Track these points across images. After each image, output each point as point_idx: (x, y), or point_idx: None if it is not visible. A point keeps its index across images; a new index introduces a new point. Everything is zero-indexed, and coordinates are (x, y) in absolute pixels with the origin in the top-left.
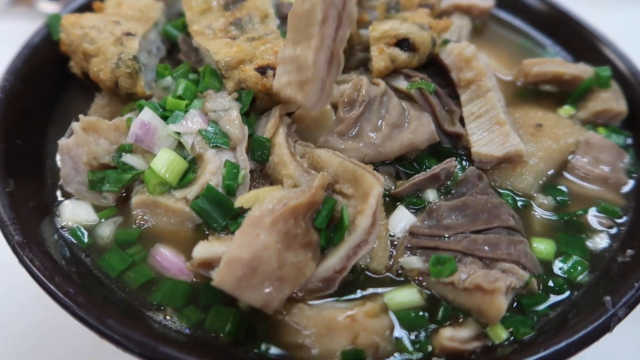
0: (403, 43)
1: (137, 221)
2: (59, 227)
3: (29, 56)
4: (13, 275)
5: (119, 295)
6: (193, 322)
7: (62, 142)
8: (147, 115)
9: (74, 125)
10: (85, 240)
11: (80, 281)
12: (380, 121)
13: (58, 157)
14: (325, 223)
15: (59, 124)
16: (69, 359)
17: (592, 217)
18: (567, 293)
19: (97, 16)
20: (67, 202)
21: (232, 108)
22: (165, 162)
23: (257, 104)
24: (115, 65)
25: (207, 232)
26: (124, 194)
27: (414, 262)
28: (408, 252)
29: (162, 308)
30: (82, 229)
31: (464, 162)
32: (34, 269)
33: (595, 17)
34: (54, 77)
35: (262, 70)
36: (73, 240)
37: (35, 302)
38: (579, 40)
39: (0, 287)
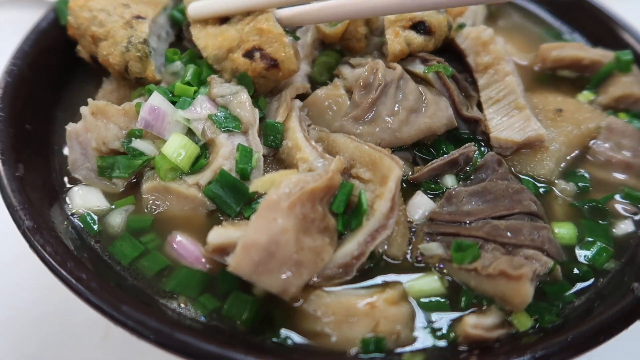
0: (419, 26)
1: (148, 206)
2: (69, 213)
3: (36, 40)
4: (22, 267)
5: (130, 282)
6: (209, 310)
7: (70, 127)
8: (157, 100)
9: (83, 109)
10: (95, 227)
11: (93, 267)
12: (396, 105)
13: (67, 141)
14: (342, 208)
15: (67, 108)
16: (77, 350)
17: (616, 203)
18: (592, 280)
19: None
20: (76, 188)
21: (241, 91)
22: (177, 147)
23: (256, 88)
24: (125, 49)
25: (221, 218)
26: (134, 180)
27: (434, 248)
28: (428, 238)
29: (175, 296)
30: (93, 215)
31: (482, 148)
32: (46, 255)
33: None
34: (61, 62)
35: (249, 54)
36: (83, 226)
37: (45, 293)
38: (597, 25)
39: (11, 278)
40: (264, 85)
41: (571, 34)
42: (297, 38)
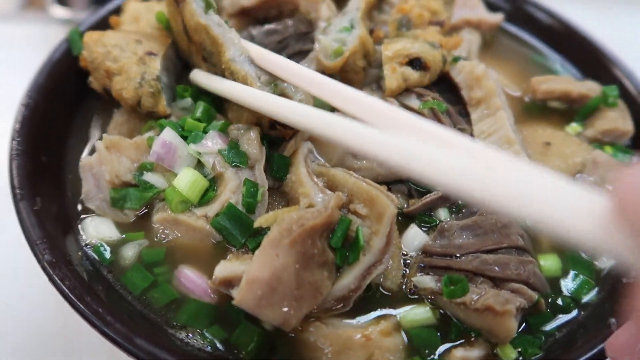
0: (415, 62)
1: (157, 235)
2: (83, 244)
3: (50, 72)
4: (30, 282)
5: (141, 311)
6: (216, 340)
7: (85, 160)
8: (169, 134)
9: (98, 144)
10: (108, 257)
11: (106, 298)
12: None
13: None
14: (340, 242)
15: (78, 137)
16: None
17: None
18: (575, 313)
19: (119, 34)
20: (89, 219)
21: (252, 129)
22: (188, 181)
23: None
24: (139, 85)
25: (227, 247)
26: (145, 210)
27: (427, 281)
28: (421, 271)
29: (184, 327)
30: (105, 246)
31: None
32: (65, 289)
33: (600, 22)
34: (73, 91)
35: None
36: (96, 257)
37: (54, 312)
38: (587, 56)
39: (20, 295)
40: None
41: (563, 63)
42: None
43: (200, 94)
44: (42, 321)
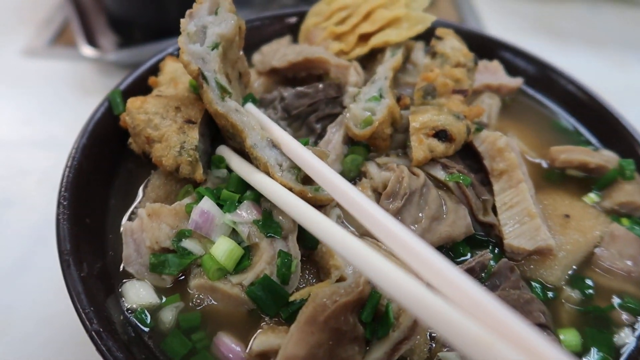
0: (441, 134)
1: (193, 300)
2: (125, 308)
3: (92, 133)
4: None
5: None
6: None
7: (127, 225)
8: (207, 204)
9: (140, 212)
10: (149, 322)
11: None
12: (420, 213)
13: (120, 233)
14: (370, 317)
15: (118, 196)
16: None
17: (618, 312)
18: None
19: (159, 101)
20: (130, 283)
21: None
22: (226, 251)
23: None
24: (178, 153)
25: (260, 314)
26: (181, 277)
27: (452, 357)
28: (447, 348)
29: None
30: (146, 312)
31: (496, 250)
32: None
33: (613, 74)
34: (113, 151)
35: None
36: (137, 323)
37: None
38: (605, 125)
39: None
40: None
41: (581, 130)
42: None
43: None
44: None
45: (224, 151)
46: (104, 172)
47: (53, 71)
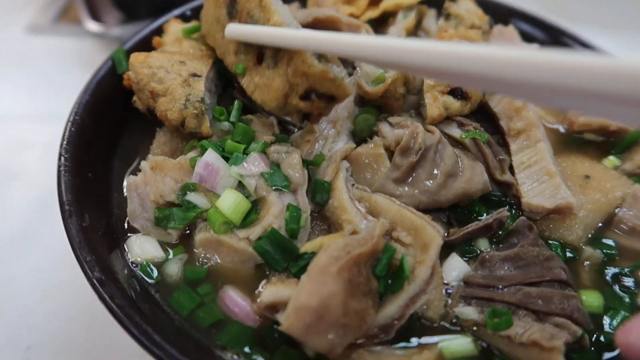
0: (456, 91)
1: (200, 258)
2: (129, 262)
3: (95, 90)
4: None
5: (189, 332)
6: None
7: (131, 179)
8: (211, 156)
9: (143, 164)
10: (155, 276)
11: (153, 318)
12: (435, 169)
13: (125, 192)
14: (385, 271)
15: (123, 156)
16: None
17: None
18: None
19: (164, 56)
20: (134, 237)
21: (293, 152)
22: (232, 203)
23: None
24: (184, 106)
25: (267, 273)
26: (187, 232)
27: (469, 312)
28: (463, 302)
29: (229, 348)
30: (152, 265)
31: (513, 211)
32: (114, 307)
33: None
34: (117, 110)
35: (306, 97)
36: (143, 275)
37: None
38: None
39: (55, 307)
40: (329, 110)
41: None
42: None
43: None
44: (70, 336)
45: (232, 27)
46: (108, 130)
47: (58, 48)
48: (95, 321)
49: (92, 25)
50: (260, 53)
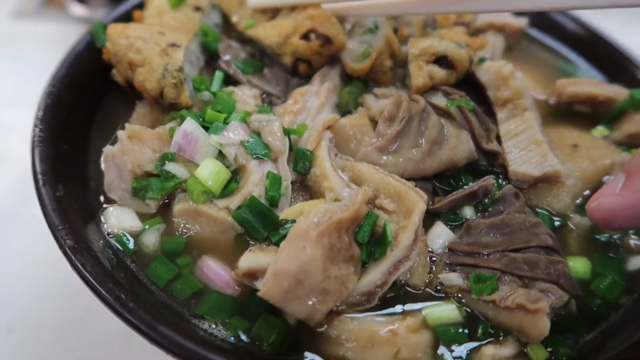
0: (441, 60)
1: (179, 229)
2: (105, 233)
3: (73, 63)
4: (45, 277)
5: (165, 302)
6: (238, 331)
7: (107, 149)
8: (190, 125)
9: (120, 133)
10: (131, 246)
11: (129, 287)
12: (420, 138)
13: (102, 164)
14: (367, 238)
15: (101, 129)
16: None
17: (629, 238)
18: (605, 314)
19: (142, 26)
20: (111, 208)
21: (274, 120)
22: (211, 172)
23: (313, 65)
24: (162, 76)
25: (249, 242)
26: (166, 201)
27: (454, 278)
28: (447, 268)
29: (207, 317)
30: (128, 236)
31: (500, 180)
32: (86, 274)
33: (624, 34)
34: (95, 84)
35: (306, 36)
36: (119, 246)
37: (66, 303)
38: (611, 61)
39: (34, 288)
40: (319, 62)
41: (587, 69)
42: None
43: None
44: (52, 315)
45: None
46: (86, 103)
47: (43, 33)
48: (79, 302)
49: (77, 9)
50: (275, 12)
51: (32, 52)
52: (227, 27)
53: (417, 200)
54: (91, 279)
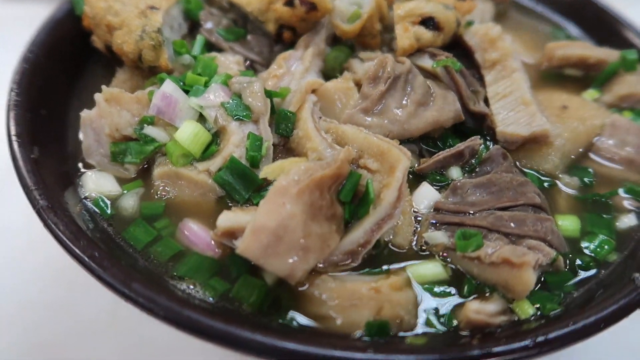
0: (428, 22)
1: (158, 192)
2: (82, 197)
3: (52, 30)
4: (30, 259)
5: (142, 263)
6: (218, 292)
7: (85, 113)
8: (169, 87)
9: (97, 96)
10: (109, 211)
11: (106, 248)
12: (405, 98)
13: (80, 128)
14: (350, 196)
15: (82, 96)
16: (85, 336)
17: (619, 197)
18: (594, 271)
19: None
20: (89, 173)
21: (255, 81)
22: (190, 134)
23: (298, 32)
24: (140, 38)
25: (230, 204)
26: (145, 166)
27: (439, 236)
28: (432, 228)
29: (186, 278)
30: (105, 200)
31: (488, 142)
32: (59, 233)
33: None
34: (76, 51)
35: (290, 2)
36: (96, 210)
37: (51, 283)
38: (602, 25)
39: (19, 270)
40: (304, 28)
41: (578, 34)
42: None
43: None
44: (37, 292)
45: None
46: (65, 71)
47: (32, 16)
48: (63, 278)
49: None
50: None
51: (21, 36)
52: None
53: (400, 157)
54: (63, 237)
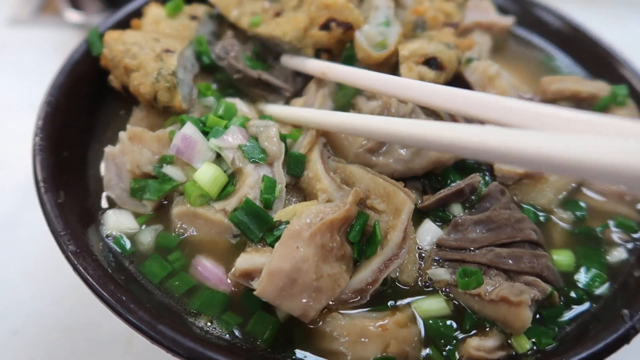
0: (431, 61)
1: (176, 230)
2: (104, 235)
3: (70, 72)
4: (50, 282)
5: (162, 300)
6: (230, 326)
7: (109, 149)
8: (189, 129)
9: (121, 134)
10: (128, 247)
11: (128, 288)
12: None
13: (102, 165)
14: (358, 237)
15: (100, 134)
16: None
17: (609, 230)
18: (587, 305)
19: (138, 33)
20: (110, 211)
21: (271, 126)
22: (210, 176)
23: (334, 53)
24: (155, 80)
25: (244, 243)
26: (164, 202)
27: (441, 273)
28: (435, 264)
29: (201, 314)
30: (125, 238)
31: (486, 177)
32: (89, 278)
33: (607, 27)
34: (94, 91)
35: (326, 26)
36: (117, 248)
37: (72, 305)
38: (595, 57)
39: (40, 294)
40: (339, 48)
41: (572, 66)
42: None
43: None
44: (56, 317)
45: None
46: (84, 111)
47: (39, 39)
48: (81, 303)
49: (72, 15)
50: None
51: (28, 59)
52: (223, 28)
53: (406, 200)
54: (94, 283)
